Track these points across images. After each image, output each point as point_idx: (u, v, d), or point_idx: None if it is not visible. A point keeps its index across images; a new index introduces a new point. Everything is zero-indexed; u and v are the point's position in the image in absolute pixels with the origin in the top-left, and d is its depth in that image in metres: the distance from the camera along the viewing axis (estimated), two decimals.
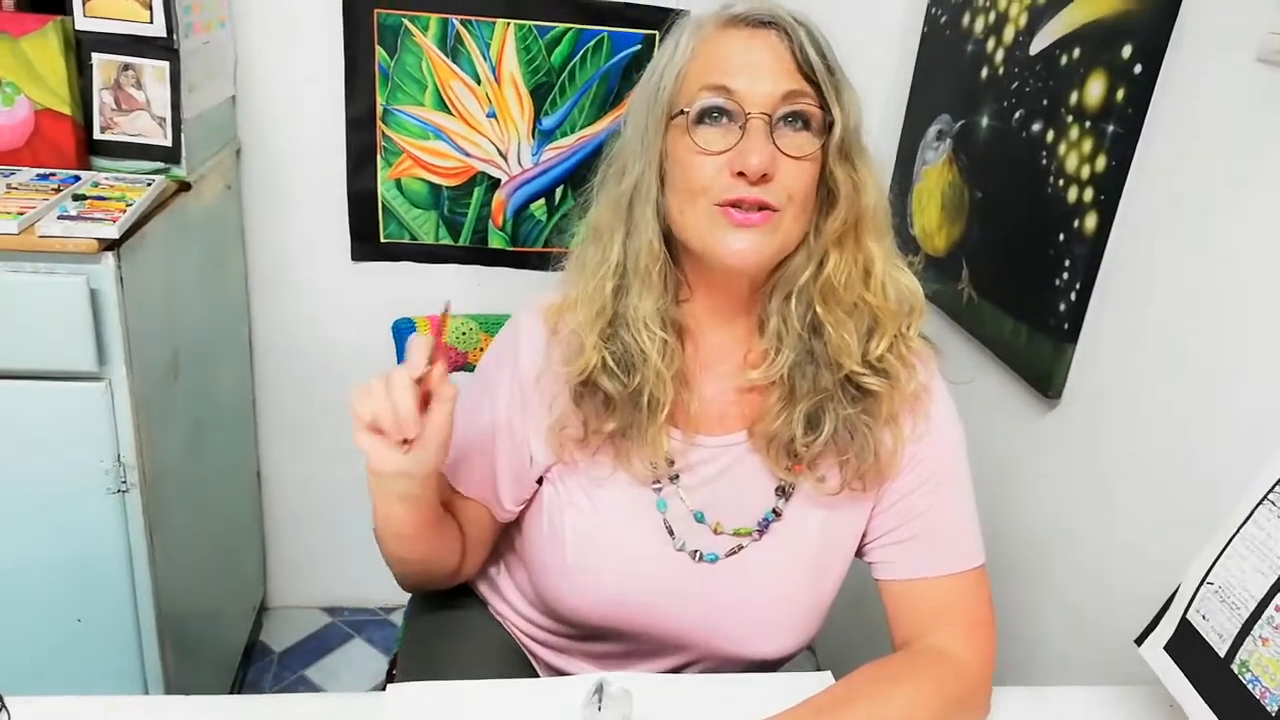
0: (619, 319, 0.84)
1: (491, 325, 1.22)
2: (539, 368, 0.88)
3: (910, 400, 0.86)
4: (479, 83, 1.68)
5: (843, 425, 0.84)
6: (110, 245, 1.13)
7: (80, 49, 1.30)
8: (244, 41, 1.61)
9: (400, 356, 1.20)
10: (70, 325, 1.13)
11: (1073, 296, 1.13)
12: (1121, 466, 1.07)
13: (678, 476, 0.88)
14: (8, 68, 1.26)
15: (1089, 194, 1.11)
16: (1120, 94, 1.07)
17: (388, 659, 1.91)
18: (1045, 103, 1.20)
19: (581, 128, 1.73)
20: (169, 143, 1.35)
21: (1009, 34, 1.30)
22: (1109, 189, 1.08)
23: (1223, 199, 0.94)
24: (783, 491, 0.89)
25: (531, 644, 1.02)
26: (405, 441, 0.74)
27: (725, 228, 0.79)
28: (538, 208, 1.78)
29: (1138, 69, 1.04)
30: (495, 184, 1.76)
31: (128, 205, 1.20)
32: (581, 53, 1.68)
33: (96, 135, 1.33)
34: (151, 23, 1.29)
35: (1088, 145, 1.11)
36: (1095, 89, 1.11)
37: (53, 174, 1.28)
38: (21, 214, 1.12)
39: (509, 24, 1.65)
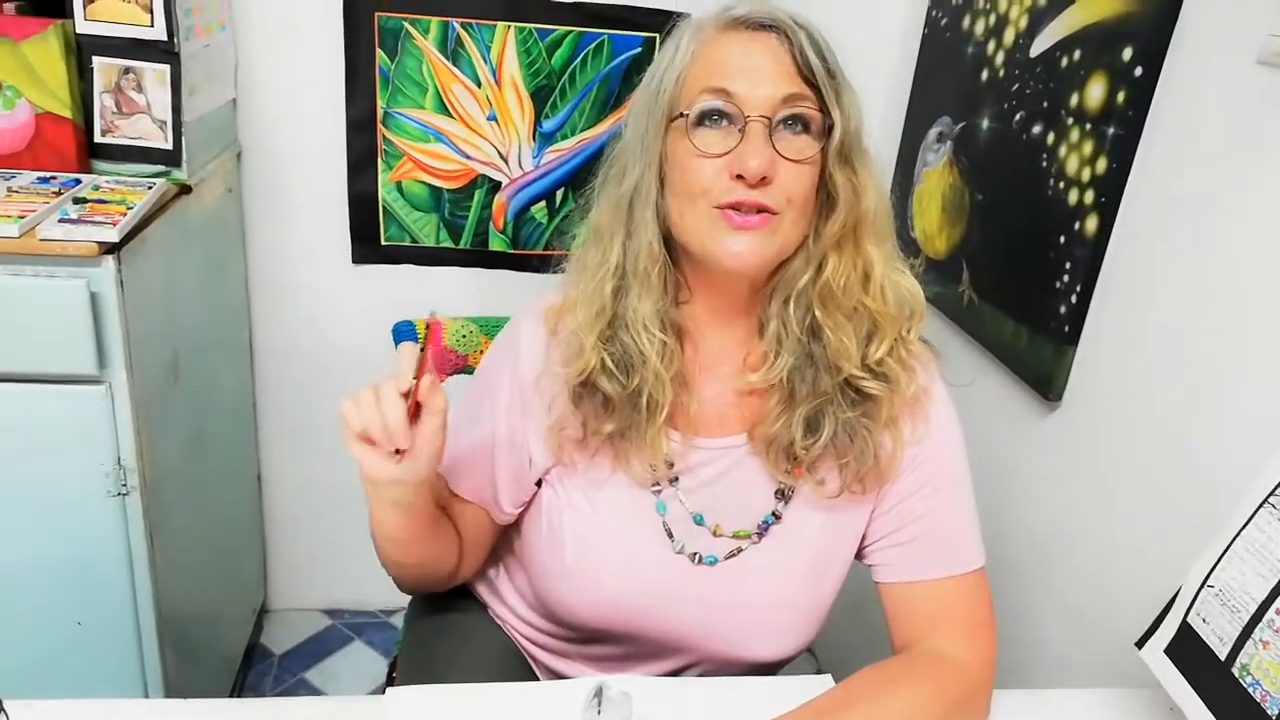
0: (618, 320, 0.84)
1: (492, 328, 1.22)
2: (538, 369, 0.88)
3: (910, 403, 0.86)
4: (479, 85, 1.68)
5: (842, 428, 0.84)
6: (111, 248, 1.13)
7: (81, 52, 1.30)
8: (245, 44, 1.62)
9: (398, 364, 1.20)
10: (71, 328, 1.13)
11: (1073, 299, 1.13)
12: (1122, 469, 1.07)
13: (677, 479, 0.88)
14: (9, 71, 1.26)
15: (1089, 196, 1.11)
16: (1121, 96, 1.07)
17: (388, 661, 1.90)
18: (1046, 105, 1.20)
19: (582, 130, 1.74)
20: (170, 146, 1.35)
21: (1009, 36, 1.30)
22: (1109, 191, 1.08)
23: (1223, 201, 0.94)
24: (782, 494, 0.89)
25: (531, 647, 1.02)
26: (397, 451, 0.74)
27: (724, 230, 0.79)
28: (538, 210, 1.79)
29: (1138, 71, 1.04)
30: (496, 187, 1.76)
31: (128, 208, 1.20)
32: (582, 55, 1.69)
33: (97, 138, 1.33)
34: (152, 26, 1.30)
35: (1088, 147, 1.11)
36: (1096, 91, 1.11)
37: (53, 177, 1.28)
38: (22, 217, 1.12)
39: (509, 27, 1.65)
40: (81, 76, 1.30)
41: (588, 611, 0.90)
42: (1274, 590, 0.66)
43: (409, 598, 1.12)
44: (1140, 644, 0.77)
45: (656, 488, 0.88)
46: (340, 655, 1.95)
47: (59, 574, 1.25)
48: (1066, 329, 1.14)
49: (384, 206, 1.75)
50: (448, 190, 1.75)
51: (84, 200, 1.21)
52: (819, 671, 0.89)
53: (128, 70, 1.31)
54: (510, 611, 1.02)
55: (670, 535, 0.89)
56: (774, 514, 0.89)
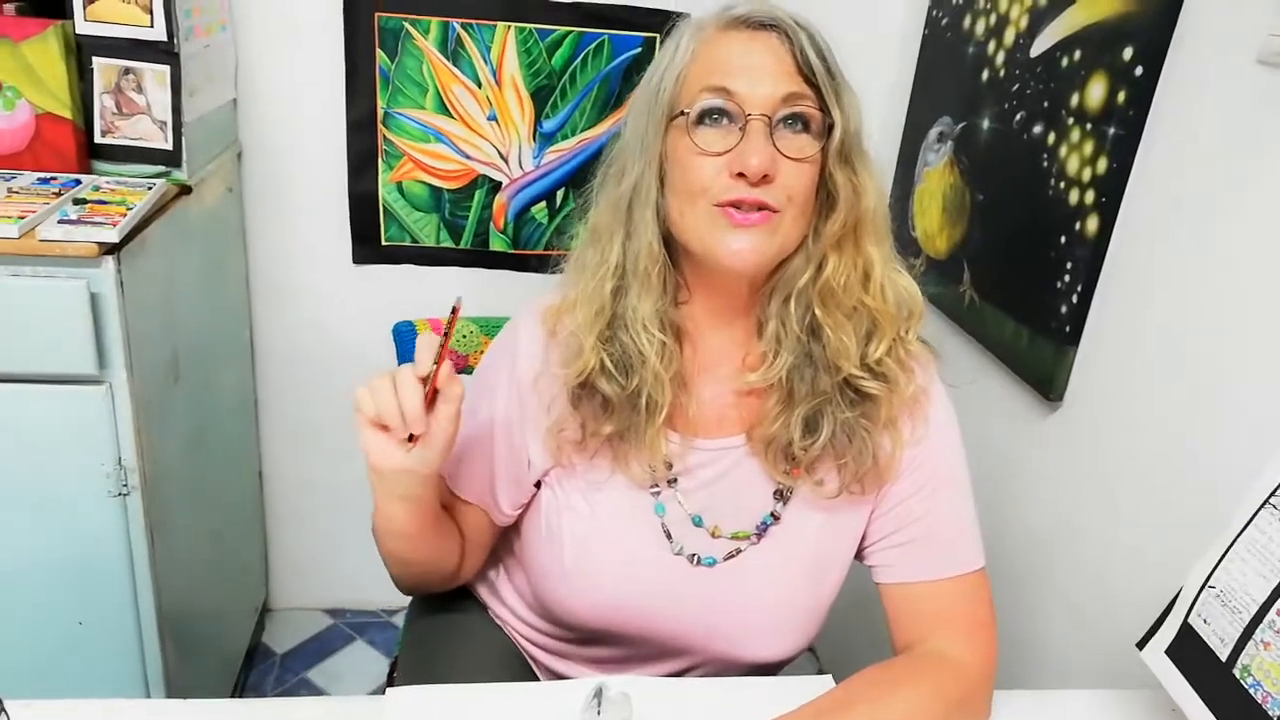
0: (618, 320, 0.84)
1: (492, 328, 1.22)
2: (537, 370, 0.88)
3: (909, 404, 0.86)
4: (480, 86, 1.68)
5: (841, 429, 0.84)
6: (111, 249, 1.13)
7: (81, 53, 1.30)
8: (245, 45, 1.62)
9: (400, 359, 1.20)
10: (71, 329, 1.13)
11: (1074, 299, 1.13)
12: (1123, 469, 1.07)
13: (676, 480, 0.88)
14: (9, 72, 1.27)
15: (1090, 196, 1.11)
16: (1121, 96, 1.06)
17: (390, 661, 1.91)
18: (1046, 105, 1.20)
19: (582, 130, 1.73)
20: (170, 146, 1.35)
21: (1010, 36, 1.30)
22: (1110, 191, 1.08)
23: (1224, 201, 0.94)
24: (781, 495, 0.89)
25: (532, 648, 1.02)
26: (410, 439, 0.74)
27: (724, 228, 0.79)
28: (539, 210, 1.79)
29: (1138, 71, 1.04)
30: (496, 187, 1.76)
31: (128, 209, 1.20)
32: (582, 56, 1.69)
33: (97, 139, 1.33)
34: (152, 26, 1.30)
35: (1089, 147, 1.11)
36: (1096, 91, 1.10)
37: (53, 178, 1.29)
38: (22, 218, 1.12)
39: (509, 27, 1.65)
40: (81, 77, 1.30)
41: (587, 613, 0.90)
42: (1275, 591, 0.66)
43: (410, 598, 1.12)
44: (1141, 645, 0.77)
45: (655, 489, 0.88)
46: (342, 655, 1.95)
47: (60, 574, 1.25)
48: (1067, 329, 1.14)
49: (384, 206, 1.75)
50: (448, 190, 1.75)
51: (84, 201, 1.21)
52: (820, 672, 0.89)
53: (128, 71, 1.31)
54: (510, 612, 1.02)
55: (669, 536, 0.89)
56: (773, 515, 0.89)
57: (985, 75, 1.36)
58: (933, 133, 1.52)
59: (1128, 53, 1.06)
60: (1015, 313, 1.26)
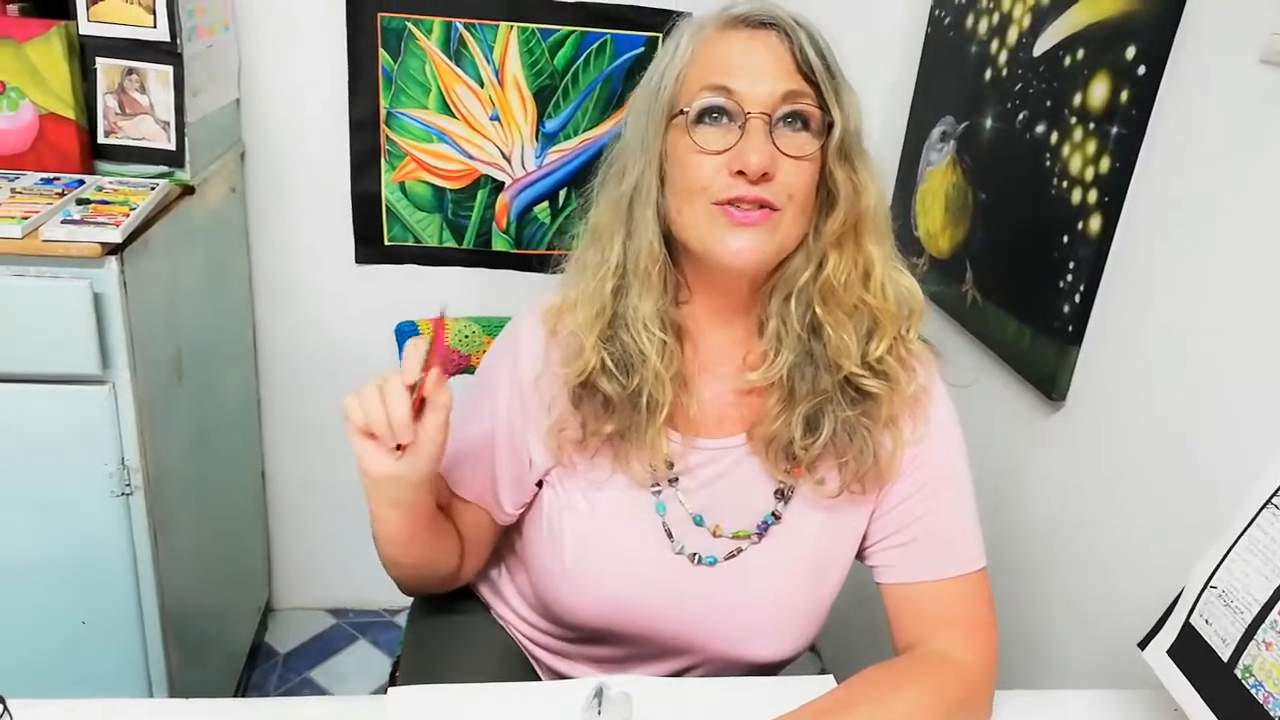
0: (618, 320, 0.84)
1: (494, 328, 1.22)
2: (538, 370, 0.88)
3: (910, 403, 0.86)
4: (482, 86, 1.69)
5: (841, 427, 0.84)
6: (114, 249, 1.13)
7: (84, 54, 1.30)
8: (248, 45, 1.62)
9: (402, 359, 1.20)
10: (74, 329, 1.13)
11: (1077, 299, 1.13)
12: (1125, 469, 1.07)
13: (677, 479, 0.88)
14: (12, 72, 1.27)
15: (1093, 196, 1.11)
16: (1124, 95, 1.06)
17: (392, 661, 1.91)
18: (1049, 104, 1.20)
19: (585, 130, 1.74)
20: (173, 146, 1.36)
21: (1013, 35, 1.30)
22: (1113, 191, 1.08)
23: (1226, 200, 0.94)
24: (782, 494, 0.88)
25: (533, 648, 1.02)
26: (399, 447, 0.74)
27: (724, 227, 0.79)
28: (541, 210, 1.79)
29: (1141, 70, 1.04)
30: (499, 187, 1.76)
31: (131, 209, 1.20)
32: (585, 55, 1.69)
33: (100, 139, 1.34)
34: (155, 27, 1.30)
35: (1091, 147, 1.11)
36: (1099, 90, 1.10)
37: (57, 178, 1.29)
38: (26, 218, 1.12)
39: (512, 27, 1.65)
40: (85, 77, 1.31)
41: (588, 612, 0.90)
42: (1277, 591, 0.66)
43: (412, 598, 1.12)
44: (1143, 645, 0.77)
45: (656, 488, 0.88)
46: (345, 654, 1.96)
47: (63, 574, 1.26)
48: (1070, 329, 1.14)
49: (387, 206, 1.75)
50: (451, 190, 1.75)
51: (87, 201, 1.22)
52: (823, 671, 0.89)
53: (131, 71, 1.32)
54: (512, 612, 1.02)
55: (670, 536, 0.89)
56: (773, 514, 0.89)
57: (988, 74, 1.36)
58: (935, 132, 1.52)
59: (1130, 52, 1.05)
60: (1018, 312, 1.26)
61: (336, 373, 1.82)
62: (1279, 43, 0.87)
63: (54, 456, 1.20)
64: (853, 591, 0.93)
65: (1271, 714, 0.64)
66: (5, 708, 0.73)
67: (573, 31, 1.67)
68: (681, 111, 0.80)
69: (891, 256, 0.85)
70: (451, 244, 1.79)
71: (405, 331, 1.22)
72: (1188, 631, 0.73)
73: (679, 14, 0.87)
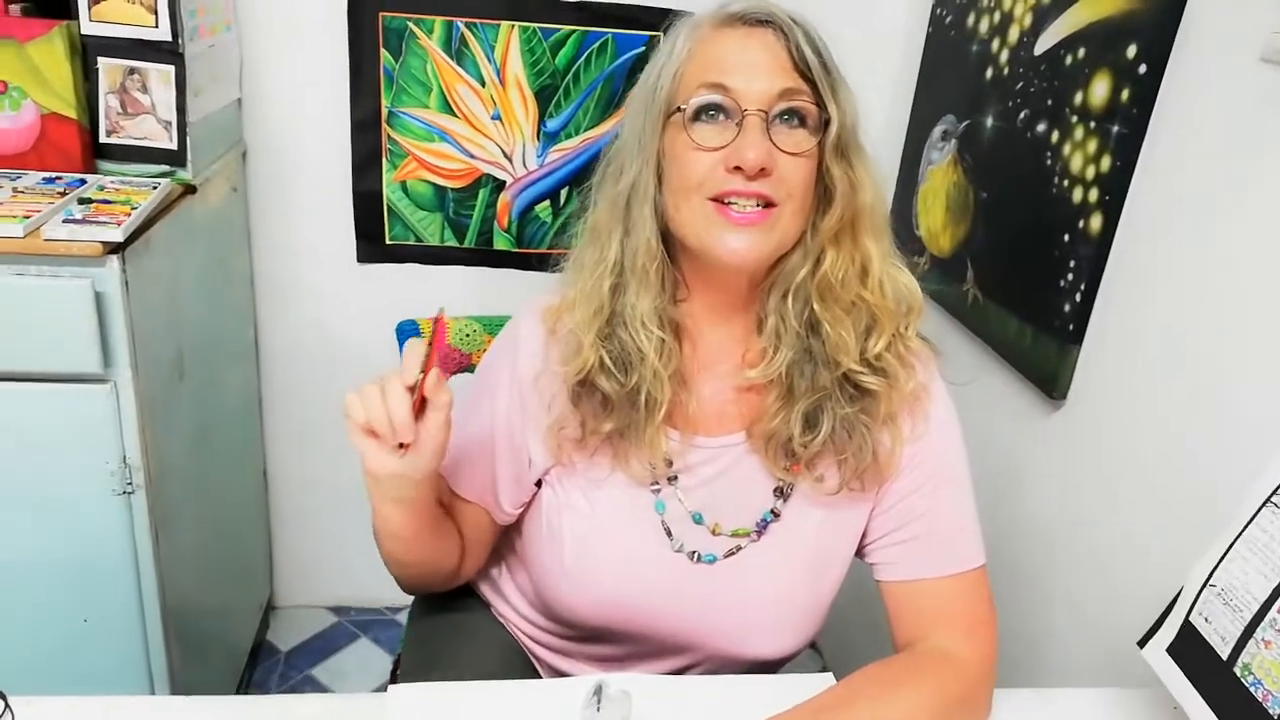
0: (616, 318, 0.84)
1: (496, 327, 1.22)
2: (537, 369, 0.88)
3: (909, 400, 0.86)
4: (483, 85, 1.69)
5: (840, 424, 0.84)
6: (115, 248, 1.13)
7: (86, 53, 1.30)
8: (249, 45, 1.62)
9: (402, 359, 1.20)
10: (75, 328, 1.13)
11: (1077, 297, 1.13)
12: (1125, 467, 1.07)
13: (676, 477, 0.88)
14: (14, 72, 1.27)
15: (1094, 194, 1.11)
16: (1125, 94, 1.06)
17: (393, 659, 1.91)
18: (1050, 103, 1.20)
19: (586, 129, 1.74)
20: (174, 146, 1.36)
21: (1014, 34, 1.30)
22: (1114, 189, 1.08)
23: (1227, 199, 0.94)
24: (781, 492, 0.88)
25: (534, 646, 1.02)
26: (401, 445, 0.75)
27: (722, 226, 0.79)
28: (543, 209, 1.79)
29: (1142, 69, 1.04)
30: (500, 186, 1.76)
31: (133, 208, 1.20)
32: (586, 55, 1.69)
33: (102, 139, 1.34)
34: (157, 27, 1.30)
35: (1092, 146, 1.11)
36: (1100, 89, 1.10)
37: (59, 177, 1.29)
38: (27, 217, 1.13)
39: (513, 26, 1.65)
40: (86, 77, 1.31)
41: (588, 610, 0.90)
42: (1276, 590, 0.66)
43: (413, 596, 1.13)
44: (1142, 643, 0.77)
45: (655, 487, 0.88)
46: (347, 652, 1.96)
47: (65, 572, 1.26)
48: (1071, 327, 1.14)
49: (389, 205, 1.75)
50: (452, 189, 1.75)
51: (89, 200, 1.22)
52: (823, 669, 0.89)
53: (133, 71, 1.32)
54: (513, 610, 1.03)
55: (669, 534, 0.89)
56: (773, 512, 0.89)
57: (989, 73, 1.35)
58: (936, 131, 1.51)
59: (1131, 50, 1.05)
60: (1019, 311, 1.26)
61: (338, 371, 1.82)
62: (1279, 41, 0.87)
63: (55, 455, 1.20)
64: (853, 589, 0.93)
65: (1271, 712, 0.64)
66: (7, 705, 0.73)
67: (574, 31, 1.67)
68: (679, 109, 0.80)
69: (889, 253, 0.85)
70: (453, 243, 1.79)
71: (406, 330, 1.23)
72: (1187, 630, 0.73)
73: (680, 13, 0.87)
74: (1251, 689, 0.66)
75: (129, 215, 1.18)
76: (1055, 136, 1.18)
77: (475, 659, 1.00)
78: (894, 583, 0.89)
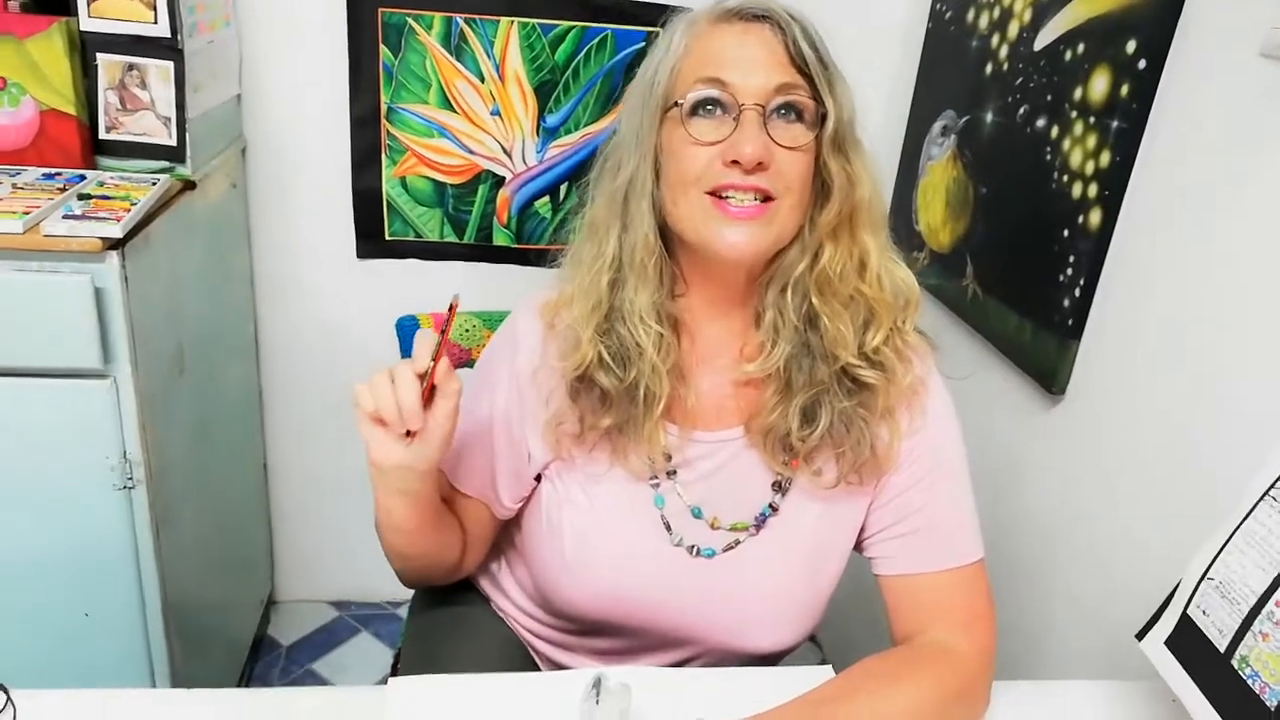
0: (615, 313, 0.84)
1: (495, 322, 1.22)
2: (535, 364, 0.88)
3: (907, 394, 0.86)
4: (483, 81, 1.69)
5: (839, 418, 0.84)
6: (115, 244, 1.13)
7: (85, 49, 1.30)
8: (249, 41, 1.62)
9: (403, 353, 1.20)
10: (75, 324, 1.14)
11: (1077, 292, 1.13)
12: (1124, 462, 1.07)
13: (675, 472, 0.88)
14: (13, 68, 1.27)
15: (1093, 190, 1.11)
16: (1125, 89, 1.06)
17: (394, 653, 1.92)
18: (1050, 98, 1.20)
19: (585, 125, 1.74)
20: (174, 142, 1.36)
21: (1013, 29, 1.30)
22: (1113, 185, 1.08)
23: (1226, 194, 0.94)
24: (779, 486, 0.89)
25: (534, 640, 1.03)
26: (408, 434, 0.75)
27: (720, 220, 0.79)
28: (542, 205, 1.79)
29: (1142, 64, 1.04)
30: (500, 181, 1.76)
31: (132, 204, 1.20)
32: (585, 50, 1.69)
33: (102, 135, 1.34)
34: (156, 23, 1.30)
35: (1092, 141, 1.11)
36: (1100, 84, 1.10)
37: (58, 173, 1.29)
38: (27, 213, 1.13)
39: (513, 22, 1.65)
40: (86, 73, 1.31)
41: (587, 604, 0.90)
42: (1274, 583, 0.66)
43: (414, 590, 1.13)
44: (1140, 635, 0.77)
45: (654, 481, 0.88)
46: (348, 646, 1.96)
47: (66, 566, 1.26)
48: (1070, 322, 1.14)
49: (388, 201, 1.75)
50: (451, 185, 1.75)
51: (88, 196, 1.22)
52: (823, 662, 0.89)
53: (132, 67, 1.32)
54: (512, 604, 1.03)
55: (668, 528, 0.89)
56: (771, 506, 0.89)
57: (989, 69, 1.35)
58: (936, 126, 1.51)
59: (1131, 46, 1.05)
60: (1018, 306, 1.26)
61: (338, 366, 1.83)
62: (1279, 36, 0.87)
63: (56, 451, 1.20)
64: (852, 583, 0.94)
65: (1268, 704, 0.64)
66: (9, 698, 0.74)
67: (573, 26, 1.67)
68: (676, 104, 0.80)
69: (887, 247, 0.85)
70: (452, 239, 1.79)
71: (406, 325, 1.23)
72: (1185, 622, 0.73)
73: (676, 8, 0.87)
74: (1249, 681, 0.66)
75: (128, 211, 1.18)
76: (1055, 132, 1.18)
77: (475, 653, 1.00)
78: (892, 577, 0.89)
